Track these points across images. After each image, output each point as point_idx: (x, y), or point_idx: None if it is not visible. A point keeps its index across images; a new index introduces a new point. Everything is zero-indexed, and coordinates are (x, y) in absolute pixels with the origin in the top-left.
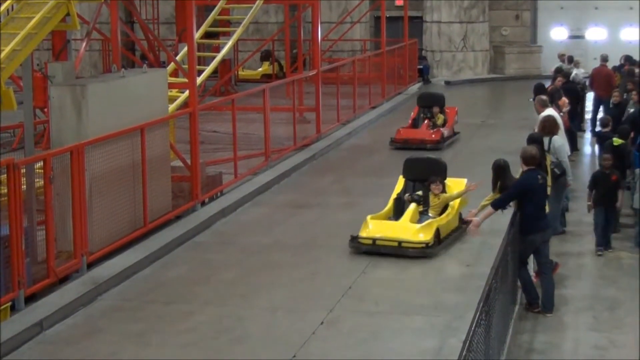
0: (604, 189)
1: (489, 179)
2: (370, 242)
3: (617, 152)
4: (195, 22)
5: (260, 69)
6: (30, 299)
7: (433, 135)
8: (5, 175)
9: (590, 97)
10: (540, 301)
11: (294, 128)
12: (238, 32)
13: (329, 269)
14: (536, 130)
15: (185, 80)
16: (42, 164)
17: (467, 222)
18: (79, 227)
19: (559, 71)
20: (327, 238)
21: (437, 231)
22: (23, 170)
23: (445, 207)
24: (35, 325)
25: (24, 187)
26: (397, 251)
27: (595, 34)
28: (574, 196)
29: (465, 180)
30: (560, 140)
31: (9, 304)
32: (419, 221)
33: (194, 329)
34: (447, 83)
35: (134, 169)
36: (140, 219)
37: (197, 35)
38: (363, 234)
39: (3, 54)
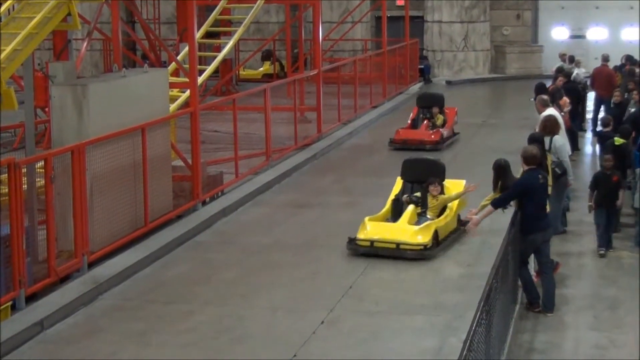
0: (605, 190)
1: (489, 178)
2: (368, 244)
3: (618, 152)
4: (197, 22)
5: (261, 69)
6: (31, 298)
7: (432, 136)
8: (7, 174)
9: (591, 96)
10: (541, 301)
11: (295, 128)
12: (239, 31)
13: (330, 268)
14: (537, 129)
15: (186, 79)
16: (43, 163)
17: (466, 222)
18: (80, 226)
19: (560, 71)
20: (328, 238)
21: (436, 233)
22: (24, 170)
23: (443, 209)
24: (36, 324)
25: (25, 186)
26: (395, 253)
27: (596, 33)
28: (575, 196)
29: (464, 182)
30: (561, 139)
31: (10, 303)
32: (417, 223)
33: (195, 329)
34: (448, 83)
35: (134, 168)
36: (141, 218)
37: (198, 35)
38: (361, 235)
39: (4, 53)
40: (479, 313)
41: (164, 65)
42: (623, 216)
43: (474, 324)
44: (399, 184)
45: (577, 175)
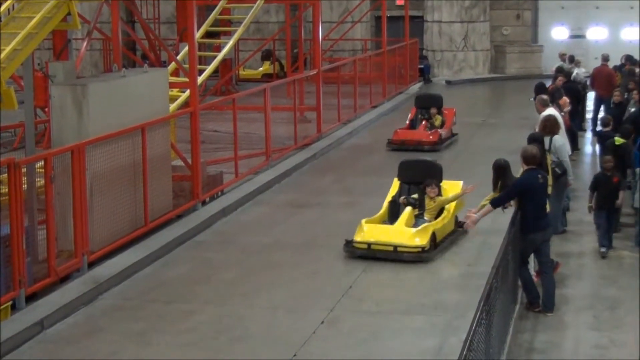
0: (606, 191)
1: (489, 178)
2: (365, 246)
3: (618, 152)
4: (196, 22)
5: (261, 69)
6: (31, 298)
7: (431, 137)
8: (6, 174)
9: (591, 96)
10: (541, 300)
11: (295, 127)
12: (239, 31)
13: (330, 268)
14: (537, 129)
15: (186, 79)
16: (43, 163)
17: (464, 223)
18: (80, 226)
19: (559, 71)
20: (328, 238)
21: (433, 235)
22: (24, 170)
23: (441, 211)
24: (36, 324)
25: (25, 186)
26: (393, 256)
27: (596, 33)
28: (575, 196)
29: (461, 183)
30: (561, 139)
31: (10, 303)
32: (415, 225)
33: (195, 329)
34: (448, 82)
35: (134, 168)
36: (141, 218)
37: (198, 34)
38: (358, 238)
39: (4, 53)
40: (479, 313)
41: (164, 65)
42: (623, 216)
43: (474, 324)
44: (395, 185)
45: (577, 175)
